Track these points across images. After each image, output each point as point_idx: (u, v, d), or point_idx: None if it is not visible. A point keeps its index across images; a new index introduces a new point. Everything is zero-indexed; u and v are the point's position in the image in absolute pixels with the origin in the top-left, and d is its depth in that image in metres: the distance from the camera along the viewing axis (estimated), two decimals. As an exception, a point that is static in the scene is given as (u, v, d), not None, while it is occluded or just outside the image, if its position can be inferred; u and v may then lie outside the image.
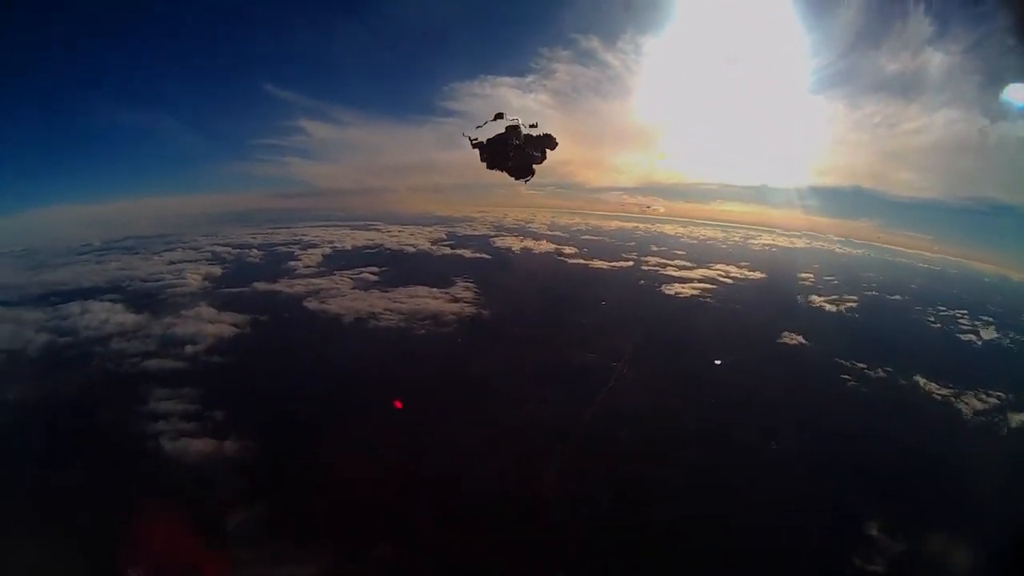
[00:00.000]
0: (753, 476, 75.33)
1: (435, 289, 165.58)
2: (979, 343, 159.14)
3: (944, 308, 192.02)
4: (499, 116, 17.02)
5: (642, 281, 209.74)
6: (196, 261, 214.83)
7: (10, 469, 71.79)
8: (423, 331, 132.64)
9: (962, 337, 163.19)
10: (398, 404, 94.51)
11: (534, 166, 17.73)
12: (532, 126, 17.23)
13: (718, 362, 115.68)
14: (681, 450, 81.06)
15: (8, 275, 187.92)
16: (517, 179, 17.89)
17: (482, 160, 17.78)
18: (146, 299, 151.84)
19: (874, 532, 65.49)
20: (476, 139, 17.47)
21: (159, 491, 69.62)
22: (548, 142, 17.59)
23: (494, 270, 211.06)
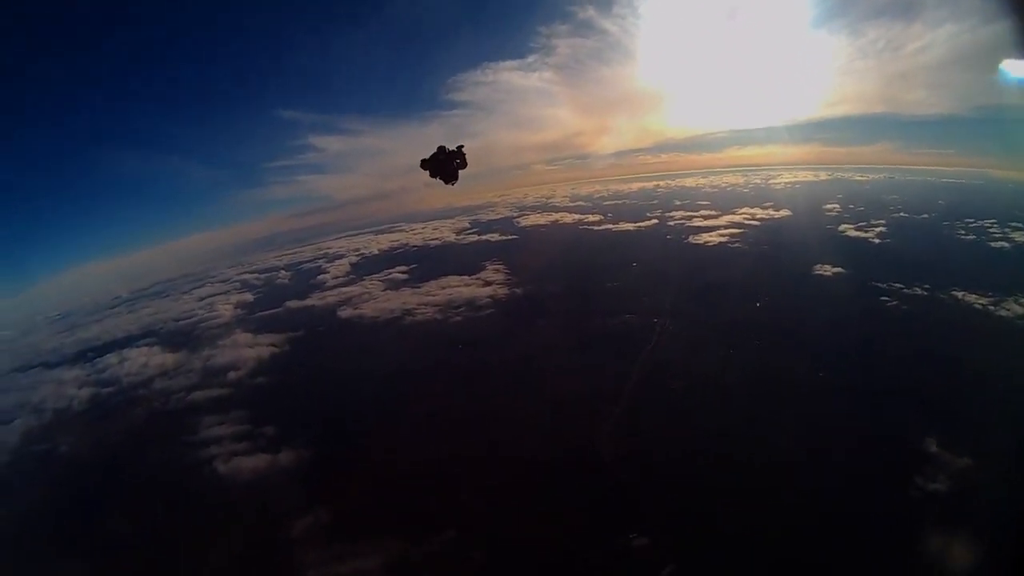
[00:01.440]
0: (804, 410, 72.64)
1: (466, 277, 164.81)
2: (1011, 249, 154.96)
3: (972, 220, 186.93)
4: (441, 148, 22.91)
5: (669, 236, 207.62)
6: (226, 292, 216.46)
7: (60, 520, 73.03)
8: (460, 318, 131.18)
9: (994, 245, 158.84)
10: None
11: (459, 172, 23.39)
12: (459, 147, 23.16)
13: (757, 304, 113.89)
14: (732, 395, 78.51)
15: (46, 340, 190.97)
16: (447, 183, 23.44)
17: (428, 171, 23.24)
18: (182, 337, 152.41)
19: (933, 449, 62.44)
20: (424, 159, 22.76)
21: (218, 512, 69.31)
22: (459, 154, 23.11)
23: (522, 249, 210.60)
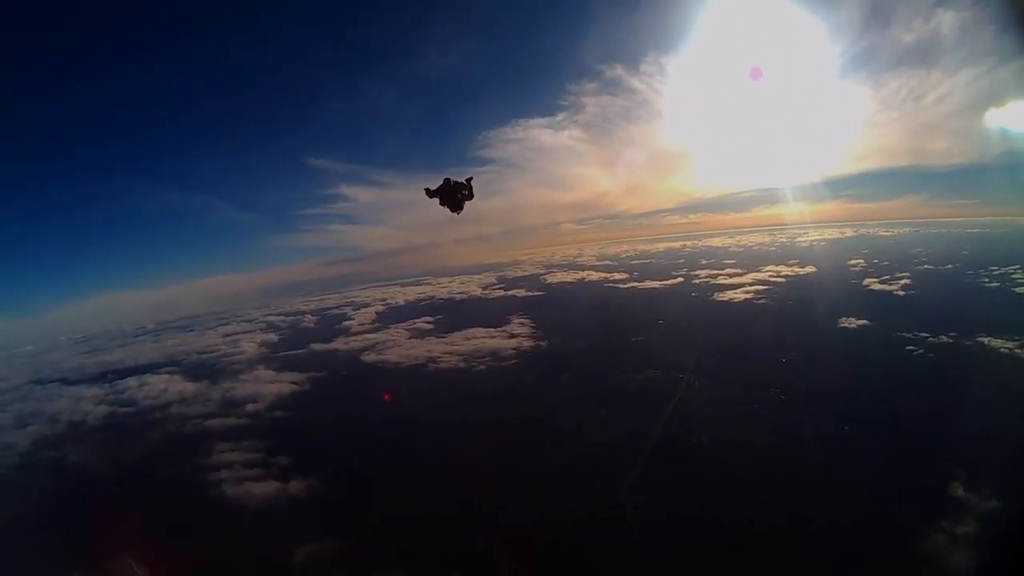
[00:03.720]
0: (829, 464, 69.72)
1: (491, 329, 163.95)
2: None
3: (996, 268, 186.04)
4: (447, 180, 22.55)
5: (694, 294, 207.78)
6: (251, 332, 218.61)
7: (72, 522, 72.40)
8: (483, 367, 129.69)
9: (1018, 291, 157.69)
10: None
11: (464, 203, 22.87)
12: (468, 179, 22.94)
13: (783, 360, 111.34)
14: (756, 450, 75.40)
15: (68, 359, 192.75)
16: (452, 211, 23.04)
17: (436, 199, 22.74)
18: (203, 369, 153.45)
19: (959, 493, 59.77)
20: (429, 188, 22.50)
21: (222, 531, 68.25)
22: (466, 185, 22.73)
23: (548, 304, 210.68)
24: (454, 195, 22.58)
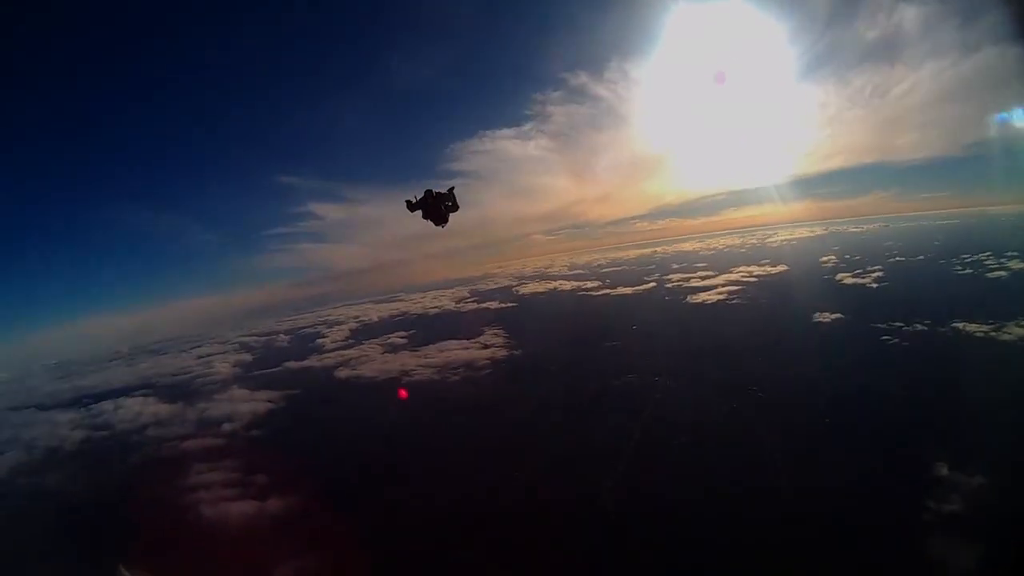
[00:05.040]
0: (812, 454, 70.88)
1: (465, 341, 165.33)
2: (1008, 276, 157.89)
3: (968, 255, 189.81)
4: (428, 192, 22.13)
5: (667, 297, 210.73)
6: (224, 352, 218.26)
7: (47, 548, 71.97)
8: (458, 378, 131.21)
9: (990, 276, 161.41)
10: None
11: (449, 215, 22.68)
12: (450, 189, 22.56)
13: (759, 356, 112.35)
14: (738, 446, 76.16)
15: (42, 385, 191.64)
16: (436, 224, 22.71)
17: (418, 213, 22.55)
18: (178, 390, 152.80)
19: (944, 472, 61.73)
20: (411, 201, 22.18)
21: (201, 553, 68.23)
22: (448, 196, 22.45)
23: (521, 315, 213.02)
24: (437, 207, 22.34)
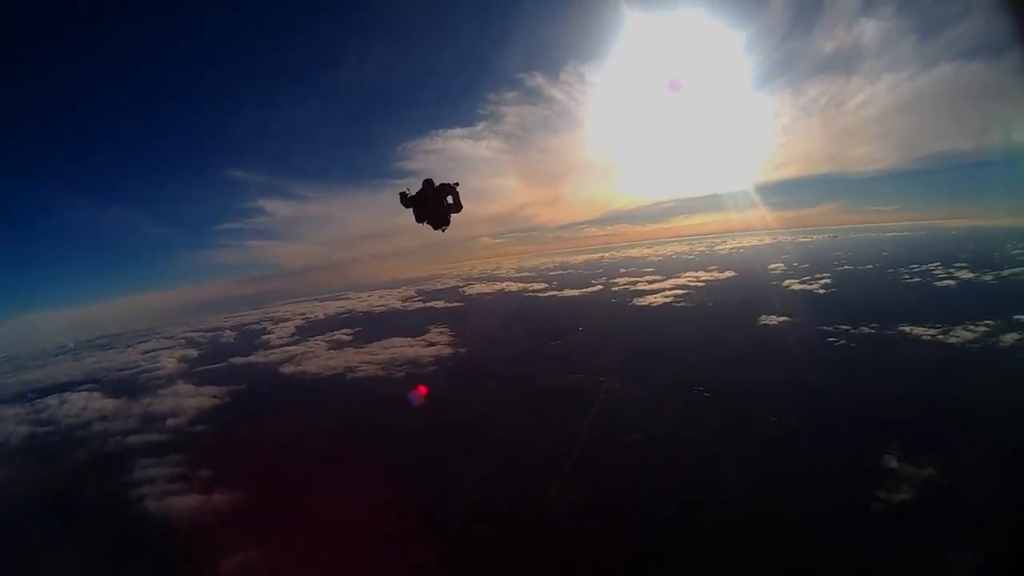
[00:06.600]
0: (759, 451, 73.20)
1: (410, 338, 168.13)
2: (956, 285, 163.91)
3: (917, 265, 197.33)
4: (428, 183, 18.82)
5: (614, 300, 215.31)
6: (170, 348, 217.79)
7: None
8: (402, 374, 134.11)
9: (939, 284, 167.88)
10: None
11: (450, 216, 19.41)
12: (455, 184, 19.21)
13: (705, 358, 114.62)
14: (686, 445, 77.90)
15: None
16: (436, 228, 19.48)
17: (413, 213, 19.43)
18: (123, 385, 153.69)
19: (894, 464, 64.29)
20: (408, 194, 18.98)
21: (143, 545, 70.61)
22: (451, 190, 19.12)
23: (467, 314, 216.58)
24: (439, 203, 18.99)
